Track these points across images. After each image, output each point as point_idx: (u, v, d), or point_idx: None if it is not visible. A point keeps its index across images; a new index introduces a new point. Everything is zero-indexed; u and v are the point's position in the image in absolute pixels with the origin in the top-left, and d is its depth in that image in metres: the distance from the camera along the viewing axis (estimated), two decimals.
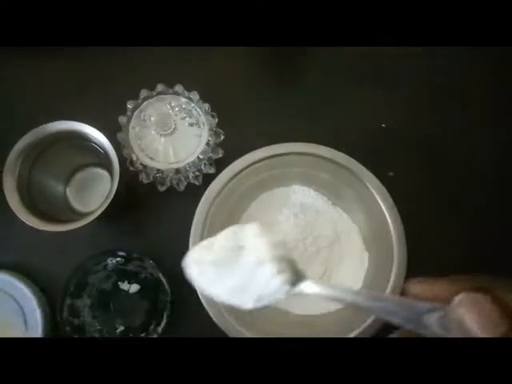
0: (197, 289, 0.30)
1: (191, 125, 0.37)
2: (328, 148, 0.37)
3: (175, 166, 0.36)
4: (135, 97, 0.37)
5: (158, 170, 0.36)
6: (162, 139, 0.36)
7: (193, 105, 0.37)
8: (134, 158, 0.36)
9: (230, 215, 0.39)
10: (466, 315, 0.18)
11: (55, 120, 0.36)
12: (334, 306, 0.37)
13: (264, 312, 0.37)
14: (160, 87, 0.37)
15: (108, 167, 0.37)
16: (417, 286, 0.21)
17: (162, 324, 0.36)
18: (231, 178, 0.37)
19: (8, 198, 0.33)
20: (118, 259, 0.38)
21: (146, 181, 0.38)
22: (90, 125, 0.36)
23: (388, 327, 0.32)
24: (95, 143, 0.36)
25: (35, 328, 0.37)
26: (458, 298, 0.18)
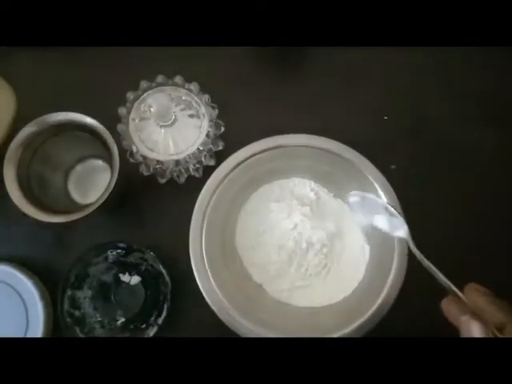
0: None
1: (191, 116, 0.37)
2: (330, 139, 0.37)
3: (175, 157, 0.36)
4: (135, 88, 0.36)
5: (158, 162, 0.36)
6: (162, 130, 0.36)
7: (193, 96, 0.37)
8: (134, 150, 0.35)
9: (230, 207, 0.39)
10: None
11: (56, 111, 0.36)
12: (334, 299, 0.37)
13: (266, 304, 0.37)
14: (160, 78, 0.36)
15: (108, 159, 0.37)
16: (474, 294, 0.24)
17: (163, 315, 0.36)
18: (231, 170, 0.37)
19: (8, 189, 0.33)
20: (119, 251, 0.38)
21: (146, 173, 0.38)
22: (90, 116, 0.36)
23: (386, 324, 0.32)
24: (95, 134, 0.36)
25: (36, 319, 0.37)
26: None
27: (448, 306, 0.25)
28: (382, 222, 0.33)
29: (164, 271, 0.36)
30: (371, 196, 0.34)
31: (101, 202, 0.33)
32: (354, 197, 0.35)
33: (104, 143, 0.35)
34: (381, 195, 0.36)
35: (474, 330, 0.22)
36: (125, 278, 0.39)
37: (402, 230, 0.31)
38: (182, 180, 0.40)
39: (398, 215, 0.32)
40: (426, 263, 0.28)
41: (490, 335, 0.22)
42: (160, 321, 0.36)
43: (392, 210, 0.32)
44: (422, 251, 0.34)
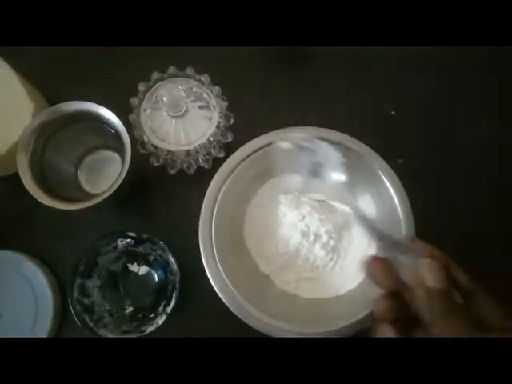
0: None
1: (201, 108, 0.37)
2: (339, 132, 0.37)
3: (186, 147, 0.36)
4: (147, 79, 0.37)
5: (169, 152, 0.36)
6: (173, 121, 0.36)
7: (204, 88, 0.37)
8: (146, 140, 0.36)
9: (238, 199, 0.39)
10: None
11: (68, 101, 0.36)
12: (341, 291, 0.38)
13: (273, 294, 0.38)
14: (171, 70, 0.37)
15: (119, 149, 0.37)
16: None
17: (171, 304, 0.36)
18: (241, 162, 0.37)
19: (21, 175, 0.33)
20: (128, 240, 0.38)
21: (156, 163, 0.39)
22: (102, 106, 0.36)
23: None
24: (108, 124, 0.36)
25: (46, 307, 0.38)
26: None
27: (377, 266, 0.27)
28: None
29: (173, 260, 0.37)
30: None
31: (112, 190, 0.33)
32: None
33: (116, 133, 0.36)
34: (389, 189, 0.36)
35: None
36: (133, 267, 0.40)
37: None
38: (192, 171, 0.40)
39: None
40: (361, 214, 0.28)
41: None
42: (169, 309, 0.36)
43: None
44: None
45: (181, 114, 0.36)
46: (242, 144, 0.38)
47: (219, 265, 0.35)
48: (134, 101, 0.36)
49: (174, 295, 0.36)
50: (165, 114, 0.36)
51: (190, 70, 0.37)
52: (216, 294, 0.34)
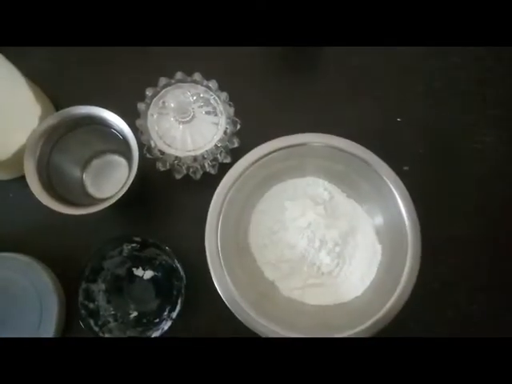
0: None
1: (208, 113, 0.37)
2: (345, 139, 0.37)
3: (192, 153, 0.36)
4: (154, 84, 0.37)
5: (176, 158, 0.36)
6: (181, 126, 0.36)
7: (211, 93, 0.37)
8: (153, 145, 0.36)
9: (244, 204, 0.39)
10: None
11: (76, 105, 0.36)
12: (346, 298, 0.38)
13: (278, 301, 0.38)
14: (179, 75, 0.37)
15: (126, 154, 0.37)
16: None
17: (177, 310, 0.36)
18: (247, 167, 0.37)
19: (28, 179, 0.33)
20: (134, 245, 0.38)
21: (162, 168, 0.39)
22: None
23: (397, 324, 0.33)
24: (115, 129, 0.36)
25: (50, 311, 0.37)
26: None
27: None
28: None
29: (179, 266, 0.36)
30: None
31: (120, 195, 0.33)
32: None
33: (123, 138, 0.36)
34: (395, 196, 0.36)
35: None
36: (138, 272, 0.40)
37: None
38: (198, 176, 0.40)
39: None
40: None
41: None
42: (174, 315, 0.36)
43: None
44: (434, 251, 0.34)
45: (188, 120, 0.36)
46: (248, 149, 0.38)
47: (225, 270, 0.35)
48: (141, 106, 0.36)
49: (179, 300, 0.36)
50: (172, 119, 0.36)
51: (197, 76, 0.37)
52: (221, 299, 0.34)
